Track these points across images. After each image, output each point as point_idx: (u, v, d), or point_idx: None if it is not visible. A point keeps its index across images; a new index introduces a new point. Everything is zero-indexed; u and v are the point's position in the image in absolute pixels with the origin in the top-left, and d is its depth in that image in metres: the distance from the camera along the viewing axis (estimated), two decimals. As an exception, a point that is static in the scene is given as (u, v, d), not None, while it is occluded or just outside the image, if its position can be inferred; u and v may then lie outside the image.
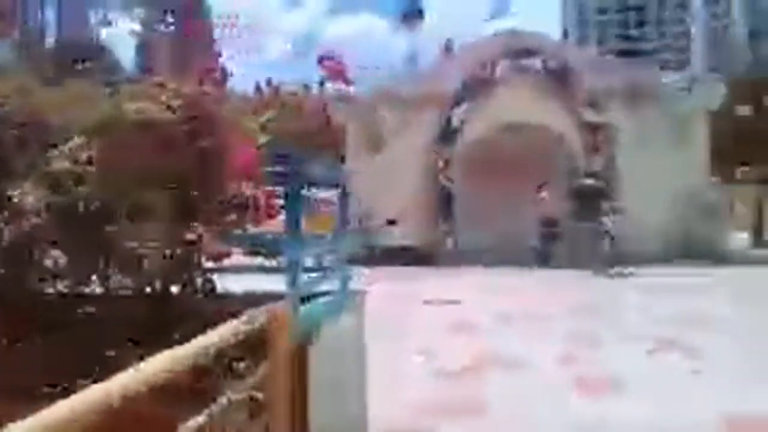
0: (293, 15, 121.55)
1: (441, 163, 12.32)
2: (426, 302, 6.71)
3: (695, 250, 10.81)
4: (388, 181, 12.26)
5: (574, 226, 11.20)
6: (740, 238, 12.82)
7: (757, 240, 12.89)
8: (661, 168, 11.35)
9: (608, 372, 3.85)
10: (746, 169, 14.45)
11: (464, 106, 12.23)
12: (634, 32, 78.74)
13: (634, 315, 5.93)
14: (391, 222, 11.95)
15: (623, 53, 60.52)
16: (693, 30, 76.80)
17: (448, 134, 12.34)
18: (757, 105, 14.69)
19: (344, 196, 3.09)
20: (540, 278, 8.93)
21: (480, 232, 11.69)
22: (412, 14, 64.40)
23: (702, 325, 5.21)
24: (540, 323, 5.43)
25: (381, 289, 6.51)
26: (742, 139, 15.11)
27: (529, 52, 12.20)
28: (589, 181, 11.46)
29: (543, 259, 11.11)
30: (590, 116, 11.81)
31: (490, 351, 4.39)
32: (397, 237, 11.87)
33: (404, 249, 11.61)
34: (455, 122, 12.27)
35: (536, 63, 12.08)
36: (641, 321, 5.55)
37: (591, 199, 11.20)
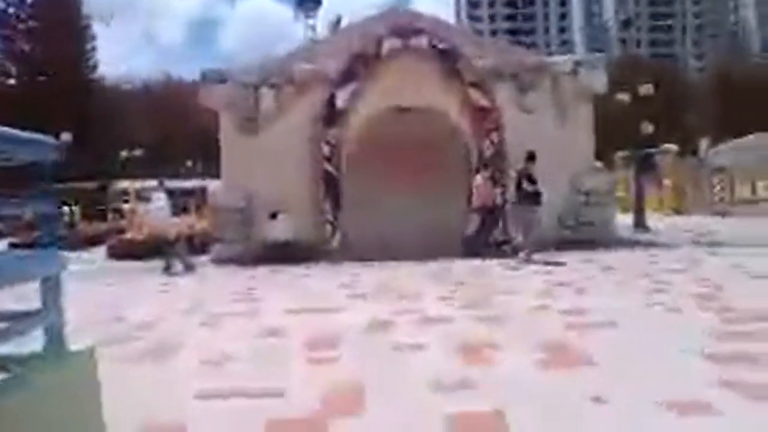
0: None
1: (326, 149, 11.36)
2: (289, 311, 5.81)
3: (585, 235, 10.89)
4: (270, 169, 11.13)
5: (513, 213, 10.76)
6: (625, 223, 13.32)
7: (639, 224, 13.40)
8: (549, 153, 11.23)
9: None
10: (624, 153, 15.03)
11: (350, 87, 11.31)
12: (522, 12, 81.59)
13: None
14: (273, 215, 10.85)
15: (512, 33, 62.59)
16: (573, 14, 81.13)
17: (333, 116, 11.39)
18: (634, 91, 15.24)
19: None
20: (439, 271, 8.37)
21: (371, 225, 10.98)
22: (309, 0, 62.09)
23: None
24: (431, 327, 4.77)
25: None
26: (620, 124, 15.68)
27: (417, 31, 11.49)
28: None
29: (474, 249, 10.57)
30: (479, 99, 11.39)
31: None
32: (280, 230, 10.82)
33: (287, 244, 10.60)
34: (340, 104, 11.33)
35: (423, 42, 11.40)
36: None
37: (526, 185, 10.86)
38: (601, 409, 2.89)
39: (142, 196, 14.15)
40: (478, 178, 10.98)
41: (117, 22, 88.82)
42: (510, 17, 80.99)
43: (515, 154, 11.35)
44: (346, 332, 4.74)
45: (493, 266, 9.07)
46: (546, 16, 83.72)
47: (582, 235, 11.22)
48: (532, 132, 11.35)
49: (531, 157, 9.90)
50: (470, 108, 11.41)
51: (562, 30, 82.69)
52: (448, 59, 11.31)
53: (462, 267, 9.05)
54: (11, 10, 31.26)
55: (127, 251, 12.64)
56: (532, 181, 9.76)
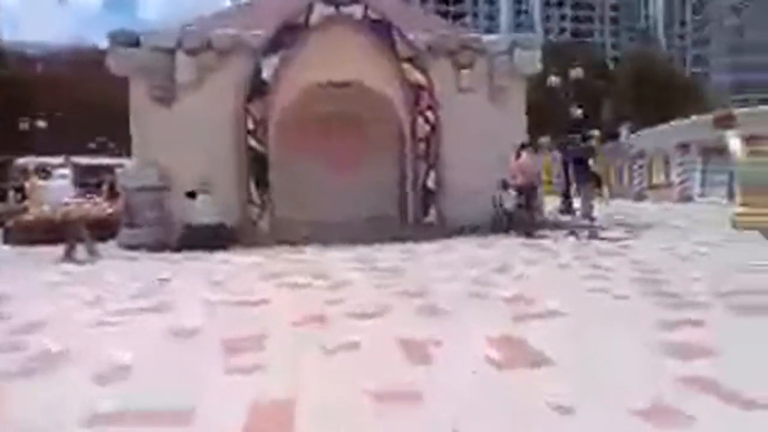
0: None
1: (251, 123, 10.51)
2: (205, 306, 5.13)
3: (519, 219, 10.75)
4: (187, 144, 10.17)
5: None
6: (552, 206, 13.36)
7: (566, 210, 13.46)
8: (481, 134, 11.00)
9: None
10: (546, 139, 15.12)
11: (277, 56, 10.47)
12: None
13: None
14: (191, 194, 9.93)
15: (439, 12, 62.36)
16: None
17: (258, 88, 10.53)
18: (564, 76, 15.31)
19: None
20: (368, 254, 7.88)
21: (300, 206, 10.31)
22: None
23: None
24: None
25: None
26: (548, 108, 15.71)
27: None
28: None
29: (517, 227, 10.29)
30: (414, 75, 10.91)
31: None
32: (199, 212, 9.92)
33: (208, 227, 9.73)
34: (266, 74, 10.47)
35: (357, 11, 10.73)
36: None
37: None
38: (572, 424, 2.51)
39: (44, 173, 12.62)
40: (523, 155, 10.57)
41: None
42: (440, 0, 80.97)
43: (449, 134, 11.06)
44: (273, 330, 4.15)
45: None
46: (475, 1, 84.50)
47: (515, 217, 11.09)
48: (466, 111, 11.06)
49: (585, 137, 9.91)
50: (405, 84, 10.90)
51: (491, 18, 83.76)
52: (382, 32, 10.71)
53: (398, 251, 8.61)
54: None
55: (26, 235, 11.23)
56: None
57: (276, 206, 10.54)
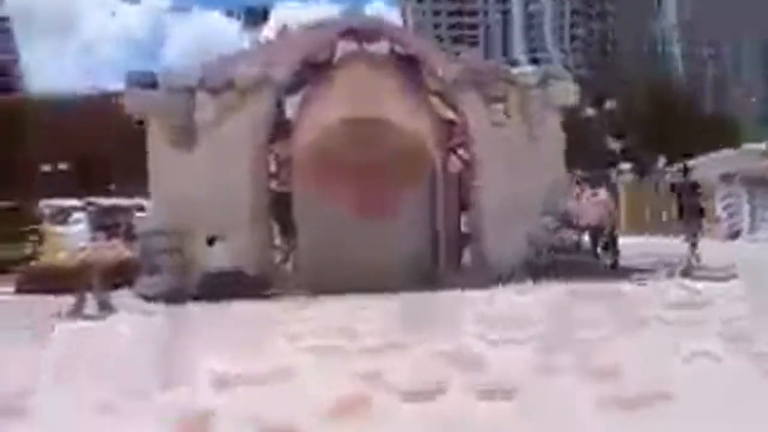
0: (130, 11, 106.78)
1: (274, 164, 9.98)
2: (221, 381, 4.38)
3: (561, 263, 9.93)
4: (208, 187, 9.64)
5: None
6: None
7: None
8: (517, 171, 10.31)
9: None
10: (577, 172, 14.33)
11: (300, 94, 10.01)
12: (466, 20, 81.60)
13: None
14: (211, 240, 9.34)
15: (455, 41, 62.37)
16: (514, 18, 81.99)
17: (281, 127, 10.04)
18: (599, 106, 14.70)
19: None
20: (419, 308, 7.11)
21: (326, 250, 9.63)
22: (255, 14, 60.62)
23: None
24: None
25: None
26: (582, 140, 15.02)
27: (375, 35, 10.36)
28: None
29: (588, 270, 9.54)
30: (444, 110, 10.34)
31: None
32: (219, 259, 9.31)
33: (228, 275, 9.09)
34: (290, 113, 9.99)
35: (382, 47, 10.27)
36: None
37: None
38: None
39: (59, 218, 12.24)
40: (602, 193, 9.93)
41: (56, 36, 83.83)
42: (454, 26, 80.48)
43: (483, 171, 10.40)
44: (302, 425, 3.39)
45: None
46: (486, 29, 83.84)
47: (557, 261, 10.23)
48: (500, 146, 10.40)
49: (687, 169, 9.30)
50: (434, 120, 10.33)
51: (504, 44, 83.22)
52: (409, 67, 10.21)
53: (436, 301, 7.84)
54: None
55: (38, 284, 10.72)
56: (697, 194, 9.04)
57: (300, 250, 9.90)
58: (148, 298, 9.17)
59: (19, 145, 24.54)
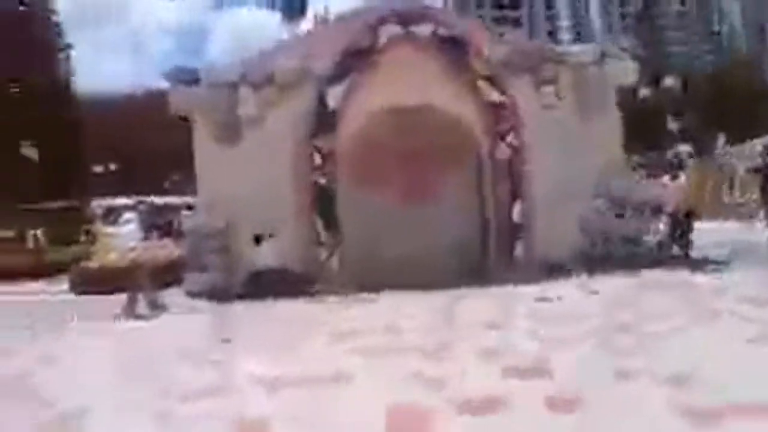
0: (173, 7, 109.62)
1: (318, 157, 9.76)
2: (269, 386, 4.14)
3: (618, 252, 9.32)
4: (253, 183, 9.50)
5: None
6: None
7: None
8: (571, 156, 9.72)
9: None
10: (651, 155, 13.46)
11: (343, 84, 9.72)
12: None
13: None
14: (258, 239, 9.21)
15: (495, 19, 60.52)
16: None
17: (324, 119, 9.79)
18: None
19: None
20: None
21: (372, 245, 9.36)
22: (294, 10, 60.93)
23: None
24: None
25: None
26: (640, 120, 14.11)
27: (420, 17, 9.94)
28: None
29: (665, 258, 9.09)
30: (492, 94, 9.84)
31: None
32: (266, 257, 9.17)
33: (275, 273, 8.95)
34: (332, 104, 9.73)
35: (426, 30, 9.84)
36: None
37: None
38: None
39: (110, 218, 12.44)
40: (682, 177, 9.45)
41: (103, 31, 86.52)
42: (496, 6, 78.05)
43: (534, 157, 9.87)
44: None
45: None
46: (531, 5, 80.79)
47: (615, 252, 9.61)
48: (552, 130, 9.82)
49: None
50: (482, 105, 9.85)
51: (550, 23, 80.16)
52: (455, 49, 9.75)
53: (490, 297, 7.44)
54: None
55: (91, 284, 10.90)
56: None
57: (345, 246, 9.66)
58: (195, 296, 9.14)
59: (71, 145, 25.36)
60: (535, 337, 5.09)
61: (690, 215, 9.23)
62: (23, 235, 16.95)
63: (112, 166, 23.95)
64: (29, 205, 17.74)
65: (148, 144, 31.51)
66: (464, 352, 4.75)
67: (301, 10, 62.46)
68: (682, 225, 9.07)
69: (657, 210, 9.27)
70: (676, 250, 9.37)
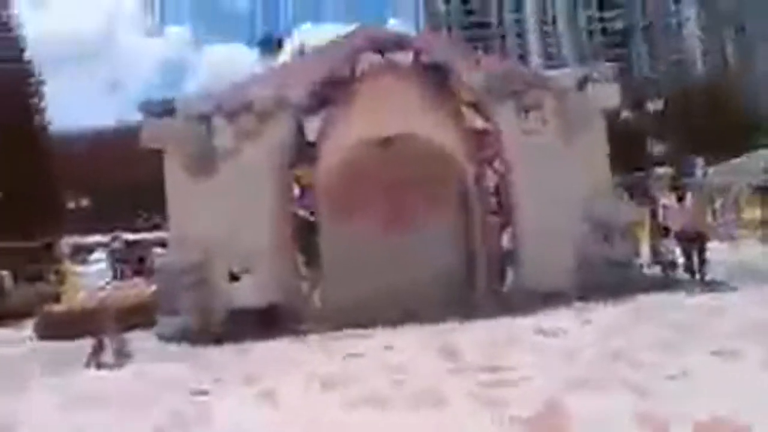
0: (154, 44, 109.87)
1: (297, 189, 9.36)
2: None
3: (610, 278, 9.03)
4: (228, 217, 9.05)
5: None
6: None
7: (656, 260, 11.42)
8: (557, 182, 9.50)
9: None
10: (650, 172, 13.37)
11: (321, 114, 9.40)
12: (480, 19, 79.95)
13: None
14: (235, 277, 8.71)
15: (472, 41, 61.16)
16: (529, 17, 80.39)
17: (303, 150, 9.43)
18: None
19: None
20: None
21: (356, 280, 8.92)
22: (270, 44, 61.39)
23: None
24: None
25: None
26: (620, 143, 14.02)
27: (399, 45, 9.75)
28: None
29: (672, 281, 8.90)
30: (476, 121, 9.62)
31: None
32: (244, 295, 8.67)
33: (255, 312, 8.43)
34: (311, 135, 9.39)
35: (406, 57, 9.64)
36: None
37: None
38: None
39: (79, 256, 11.81)
40: (689, 197, 9.18)
41: (79, 70, 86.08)
42: (466, 28, 79.07)
43: (521, 184, 9.62)
44: None
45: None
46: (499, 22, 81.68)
47: (606, 278, 9.32)
48: (538, 156, 9.60)
49: None
50: (465, 132, 9.61)
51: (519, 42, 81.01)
52: (437, 76, 9.54)
53: (483, 331, 7.04)
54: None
55: (56, 329, 10.20)
56: None
57: (328, 279, 9.21)
58: (168, 339, 8.57)
59: (45, 182, 24.59)
60: (542, 378, 4.69)
61: (699, 237, 9.07)
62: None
63: (84, 202, 23.21)
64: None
65: (121, 178, 30.81)
66: (460, 399, 4.32)
67: (279, 46, 62.75)
68: (691, 247, 8.88)
69: (666, 233, 9.15)
70: (681, 273, 9.17)
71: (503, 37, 79.58)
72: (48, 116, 28.09)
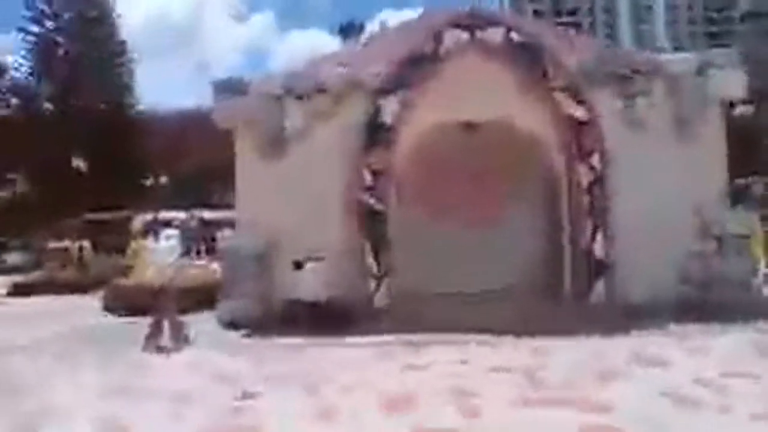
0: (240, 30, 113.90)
1: (368, 176, 8.72)
2: None
3: (719, 297, 7.76)
4: (296, 203, 8.56)
5: None
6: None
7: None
8: (665, 181, 8.28)
9: None
10: (754, 179, 11.63)
11: (399, 95, 8.66)
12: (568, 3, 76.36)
13: None
14: (298, 265, 8.21)
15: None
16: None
17: (378, 135, 8.75)
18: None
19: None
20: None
21: (428, 277, 8.18)
22: (351, 29, 61.38)
23: None
24: None
25: None
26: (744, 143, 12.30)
27: (486, 22, 8.81)
28: None
29: None
30: (572, 109, 8.55)
31: None
32: (307, 285, 8.15)
33: (317, 305, 7.89)
34: (386, 117, 8.68)
35: (497, 35, 8.69)
36: None
37: None
38: None
39: (153, 232, 11.80)
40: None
41: (171, 54, 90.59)
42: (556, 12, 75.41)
43: (620, 183, 8.47)
44: None
45: None
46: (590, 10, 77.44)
47: (714, 296, 8.02)
48: (642, 152, 8.40)
49: None
50: (560, 121, 8.57)
51: (609, 28, 76.34)
52: (530, 57, 8.52)
53: (573, 352, 6.10)
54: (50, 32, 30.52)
55: (124, 303, 10.21)
56: None
57: (398, 276, 8.52)
58: (227, 325, 8.23)
59: (131, 158, 25.59)
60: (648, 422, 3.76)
61: None
62: (68, 248, 16.79)
63: (163, 180, 23.98)
64: (79, 217, 17.68)
65: (204, 158, 31.69)
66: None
67: (360, 32, 62.61)
68: None
69: None
70: None
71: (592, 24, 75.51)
72: (137, 95, 29.27)
